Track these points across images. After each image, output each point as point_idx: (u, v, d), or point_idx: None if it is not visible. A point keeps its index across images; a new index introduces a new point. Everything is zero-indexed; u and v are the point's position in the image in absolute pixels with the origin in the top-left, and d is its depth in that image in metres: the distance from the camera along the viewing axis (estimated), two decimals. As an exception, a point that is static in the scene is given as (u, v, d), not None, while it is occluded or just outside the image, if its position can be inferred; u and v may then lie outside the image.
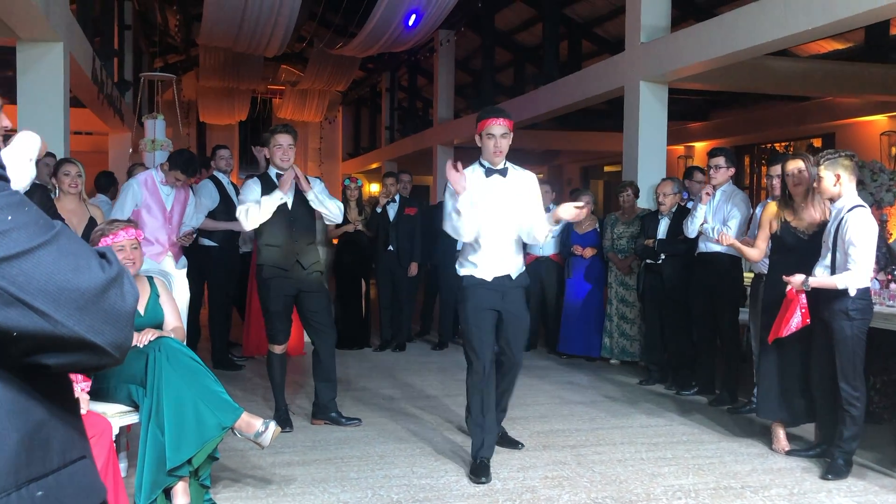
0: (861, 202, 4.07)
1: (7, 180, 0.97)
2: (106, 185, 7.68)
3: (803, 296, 4.16)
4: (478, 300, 4.16)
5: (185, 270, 5.60)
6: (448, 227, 4.14)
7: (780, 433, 4.60)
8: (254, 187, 4.72)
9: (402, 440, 4.67)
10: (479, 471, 4.02)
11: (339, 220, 5.04)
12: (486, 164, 4.22)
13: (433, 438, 4.71)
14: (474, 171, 4.22)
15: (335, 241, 7.81)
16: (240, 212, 4.64)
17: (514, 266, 4.23)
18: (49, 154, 6.04)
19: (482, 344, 4.13)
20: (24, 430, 0.98)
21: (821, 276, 4.12)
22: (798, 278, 4.13)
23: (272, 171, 4.78)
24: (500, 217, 4.16)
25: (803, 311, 4.17)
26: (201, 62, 14.95)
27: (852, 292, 3.96)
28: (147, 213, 5.47)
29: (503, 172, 4.22)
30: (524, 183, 4.27)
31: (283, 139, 4.71)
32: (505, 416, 4.60)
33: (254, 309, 7.01)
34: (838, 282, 3.99)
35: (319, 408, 4.95)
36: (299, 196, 4.78)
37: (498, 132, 4.12)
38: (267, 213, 4.60)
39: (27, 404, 0.99)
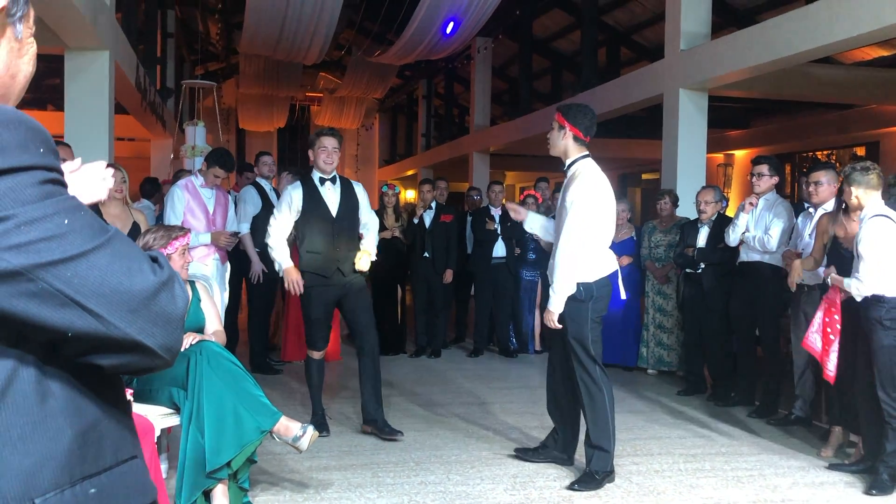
0: (883, 211, 4.06)
1: (65, 185, 0.99)
2: (150, 190, 7.83)
3: (834, 310, 4.20)
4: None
5: (227, 274, 5.67)
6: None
7: (833, 439, 4.62)
8: (293, 195, 4.69)
9: (438, 447, 4.67)
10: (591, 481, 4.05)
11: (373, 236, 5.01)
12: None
13: (469, 446, 4.71)
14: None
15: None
16: (270, 240, 4.71)
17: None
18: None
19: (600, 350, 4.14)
20: (79, 428, 1.00)
21: (836, 276, 4.22)
22: (837, 278, 4.25)
23: (315, 175, 4.74)
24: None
25: (828, 319, 4.23)
26: (241, 70, 15.15)
27: (857, 298, 4.05)
28: (191, 216, 5.54)
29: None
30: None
31: (329, 142, 4.68)
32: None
33: (291, 314, 7.08)
34: (845, 283, 4.11)
35: (366, 416, 4.90)
36: (345, 203, 4.75)
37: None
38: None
39: (82, 403, 1.01)
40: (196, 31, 15.38)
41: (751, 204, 5.47)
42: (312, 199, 4.68)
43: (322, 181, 4.72)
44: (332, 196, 4.73)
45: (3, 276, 0.90)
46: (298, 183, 4.77)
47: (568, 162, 4.16)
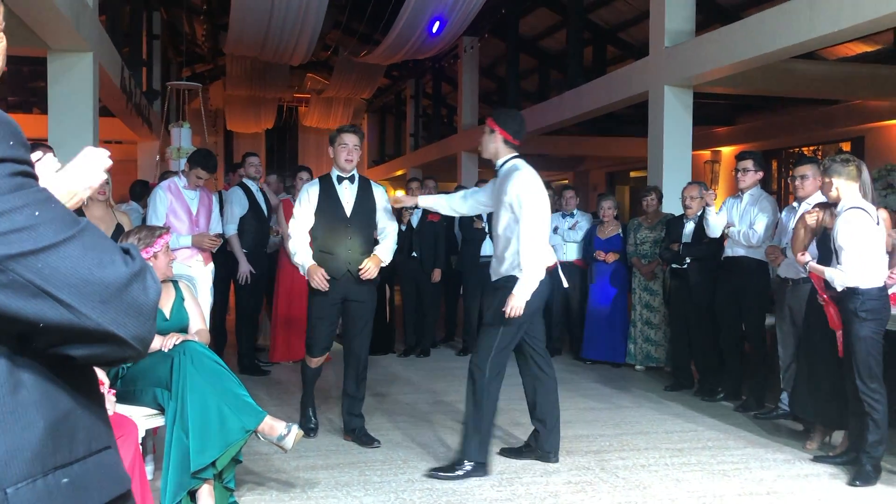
0: (858, 204, 4.10)
1: (35, 178, 1.00)
2: (140, 193, 7.81)
3: (827, 299, 4.25)
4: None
5: (211, 275, 5.61)
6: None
7: (817, 434, 4.67)
8: (309, 192, 4.61)
9: (425, 445, 4.68)
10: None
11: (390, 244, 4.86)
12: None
13: (456, 443, 4.70)
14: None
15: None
16: (291, 243, 4.60)
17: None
18: None
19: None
20: (51, 418, 1.01)
21: (817, 266, 4.26)
22: (804, 258, 4.34)
23: (334, 173, 4.64)
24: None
25: (830, 312, 4.25)
26: (228, 71, 15.13)
27: (838, 288, 4.08)
28: (173, 217, 5.51)
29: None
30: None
31: (350, 139, 4.55)
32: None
33: (280, 314, 7.07)
34: (826, 271, 4.14)
35: (345, 426, 4.80)
36: (360, 203, 4.63)
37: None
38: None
39: (54, 394, 1.02)
40: (182, 33, 15.35)
41: (708, 201, 5.60)
42: (328, 197, 4.58)
43: (340, 179, 4.62)
44: (348, 195, 4.61)
45: None
46: (316, 181, 4.69)
47: (499, 163, 4.28)
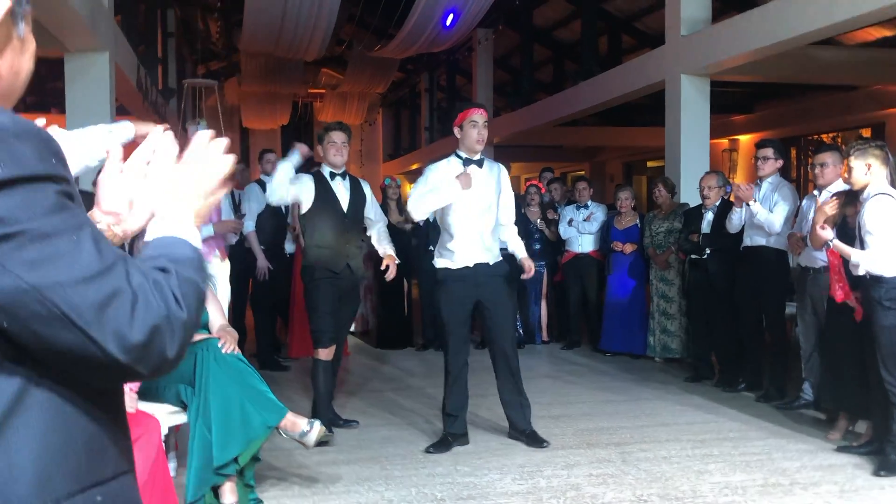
0: (886, 190, 4.04)
1: (74, 198, 0.98)
2: None
3: (839, 264, 4.25)
4: (452, 292, 4.42)
5: (227, 272, 5.65)
6: (421, 200, 4.30)
7: (841, 424, 4.62)
8: (304, 181, 4.62)
9: (446, 439, 4.68)
10: (437, 444, 4.44)
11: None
12: (464, 154, 4.46)
13: (476, 437, 4.71)
14: (450, 163, 4.48)
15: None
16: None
17: (491, 254, 4.47)
18: None
19: (457, 339, 4.46)
20: (87, 437, 1.02)
21: (841, 244, 4.16)
22: (827, 233, 4.21)
23: (325, 169, 4.73)
24: (476, 206, 4.40)
25: (840, 284, 4.20)
26: (243, 68, 15.17)
27: (860, 271, 4.02)
28: None
29: (479, 163, 4.47)
30: (499, 174, 4.58)
31: (337, 136, 4.68)
32: (530, 412, 4.66)
33: (298, 310, 7.09)
34: (853, 254, 4.06)
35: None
36: (354, 199, 4.73)
37: (480, 120, 4.38)
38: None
39: (89, 414, 1.03)
40: (196, 31, 15.39)
41: (743, 198, 5.42)
42: (324, 193, 4.65)
43: (332, 176, 4.71)
44: (342, 191, 4.72)
45: (18, 294, 0.90)
46: (311, 175, 4.72)
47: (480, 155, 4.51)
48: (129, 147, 1.19)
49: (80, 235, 0.94)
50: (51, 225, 0.92)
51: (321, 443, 4.41)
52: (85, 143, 2.44)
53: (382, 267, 4.71)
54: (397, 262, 4.75)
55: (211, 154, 1.18)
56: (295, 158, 4.62)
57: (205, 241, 5.38)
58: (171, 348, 0.98)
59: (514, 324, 4.64)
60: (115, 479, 1.06)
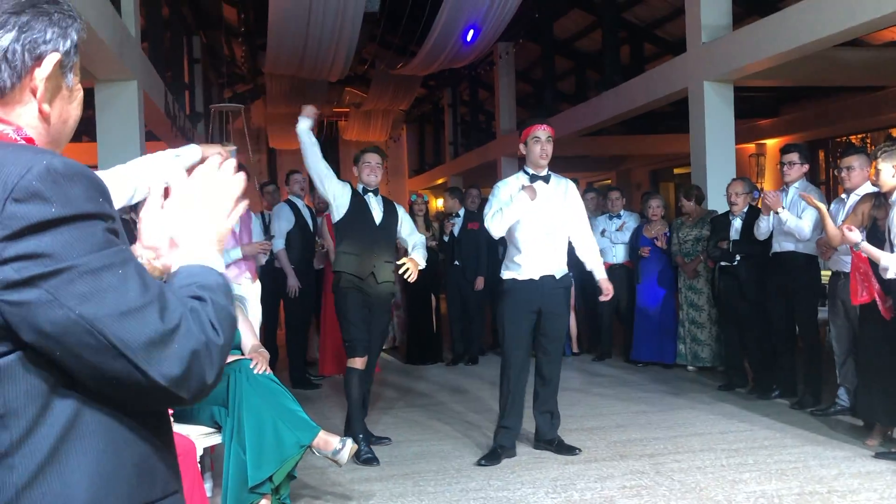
0: None
1: (119, 235, 1.04)
2: None
3: (866, 267, 4.20)
4: (516, 302, 4.48)
5: (258, 292, 5.71)
6: (495, 219, 4.38)
7: (879, 429, 4.55)
8: (343, 185, 4.77)
9: (478, 454, 4.68)
10: (489, 455, 4.49)
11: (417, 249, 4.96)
12: (531, 170, 4.52)
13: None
14: (518, 178, 4.56)
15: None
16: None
17: (557, 267, 4.53)
18: None
19: (518, 352, 4.52)
20: (137, 459, 1.08)
21: (870, 247, 4.12)
22: (855, 236, 4.15)
23: (360, 187, 4.85)
24: (543, 221, 4.46)
25: (866, 285, 4.16)
26: (268, 90, 15.35)
27: (890, 274, 3.97)
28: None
29: (546, 179, 4.54)
30: (569, 190, 4.65)
31: (372, 158, 4.83)
32: (559, 423, 4.72)
33: (329, 327, 7.14)
34: (882, 257, 4.02)
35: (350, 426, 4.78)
36: (387, 216, 4.85)
37: (544, 136, 4.45)
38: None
39: (140, 437, 1.08)
40: (222, 55, 15.62)
41: (769, 208, 5.38)
42: (360, 204, 4.78)
43: (365, 191, 4.84)
44: (375, 206, 4.85)
45: (69, 325, 0.96)
46: (348, 185, 4.83)
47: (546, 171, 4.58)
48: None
49: (125, 270, 1.00)
50: (99, 260, 0.98)
51: (367, 459, 4.46)
52: (153, 170, 2.50)
53: (401, 270, 4.67)
54: (420, 266, 4.76)
55: (221, 176, 1.21)
56: (307, 122, 4.73)
57: (235, 263, 5.46)
58: (210, 373, 1.04)
59: (565, 336, 4.69)
60: (164, 499, 1.11)
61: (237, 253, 5.53)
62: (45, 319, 0.95)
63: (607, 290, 4.60)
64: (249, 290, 5.59)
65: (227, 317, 1.09)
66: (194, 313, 1.04)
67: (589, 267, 4.72)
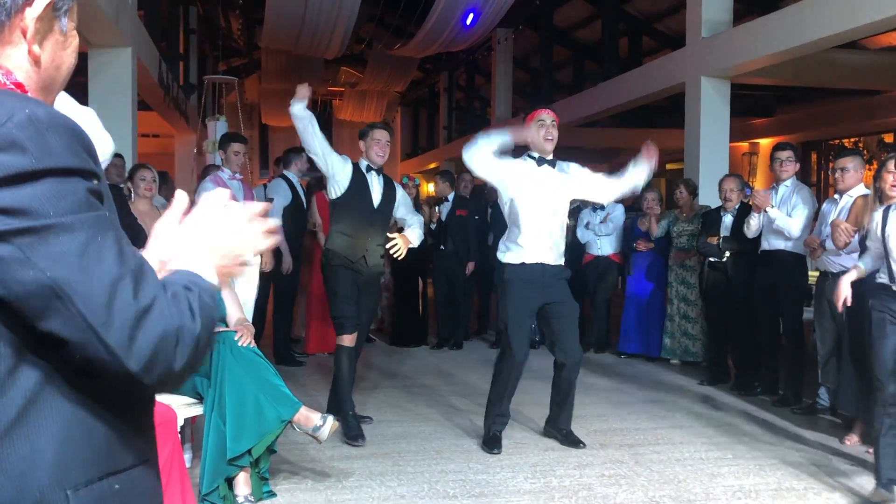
0: None
1: (103, 197, 0.99)
2: (160, 185, 7.89)
3: None
4: (519, 292, 4.39)
5: (257, 266, 5.72)
6: (474, 149, 4.34)
7: (856, 430, 4.59)
8: (345, 163, 4.65)
9: (459, 436, 4.70)
10: (491, 442, 4.44)
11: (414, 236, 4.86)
12: (537, 154, 4.45)
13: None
14: (526, 161, 4.47)
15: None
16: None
17: (556, 254, 4.47)
18: (117, 155, 6.25)
19: (518, 345, 4.43)
20: (109, 426, 1.04)
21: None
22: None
23: (363, 163, 4.73)
24: (546, 204, 4.40)
25: None
26: (263, 65, 15.26)
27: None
28: None
29: (552, 164, 4.47)
30: (571, 170, 4.56)
31: (382, 135, 4.70)
32: (571, 416, 4.65)
33: (315, 306, 7.13)
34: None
35: (333, 403, 4.81)
36: (386, 197, 4.74)
37: (548, 120, 4.42)
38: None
39: (113, 404, 1.05)
40: (218, 27, 15.49)
41: (758, 207, 5.37)
42: (360, 184, 4.66)
43: (369, 169, 4.72)
44: (376, 186, 4.73)
45: (38, 287, 0.91)
46: (350, 162, 4.72)
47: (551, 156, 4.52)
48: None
49: (104, 237, 0.95)
50: (77, 222, 0.93)
51: (354, 436, 4.44)
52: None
53: (389, 244, 4.61)
54: (412, 245, 4.72)
55: (254, 227, 1.19)
56: (301, 104, 4.61)
57: None
58: (179, 361, 0.99)
59: (577, 323, 4.63)
60: (135, 467, 1.08)
61: None
62: (13, 279, 0.91)
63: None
64: (251, 265, 5.62)
65: (209, 314, 1.04)
66: (175, 297, 1.00)
67: (629, 177, 4.54)
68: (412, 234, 4.74)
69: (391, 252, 4.60)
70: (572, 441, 4.53)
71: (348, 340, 4.63)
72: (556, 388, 4.64)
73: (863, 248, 4.22)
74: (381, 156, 4.71)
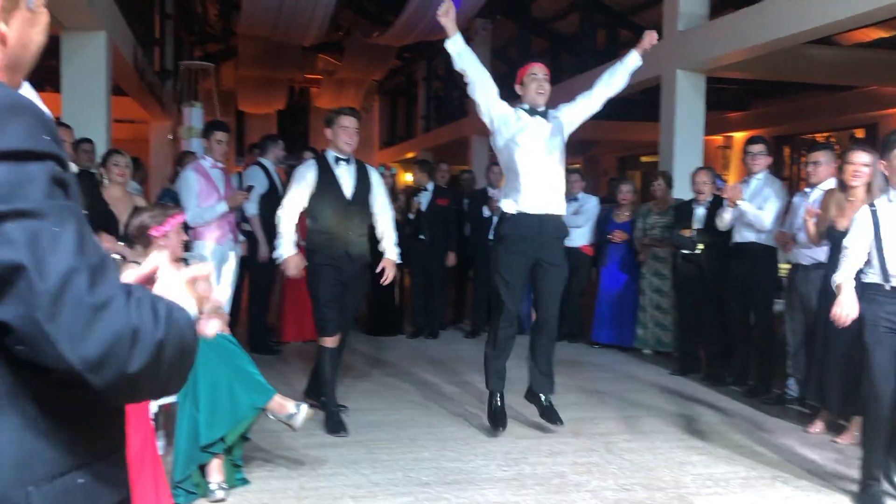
0: None
1: (65, 185, 0.96)
2: (133, 170, 7.82)
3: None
4: (513, 249, 4.41)
5: (238, 255, 5.82)
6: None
7: (821, 418, 4.68)
8: (307, 174, 4.54)
9: (433, 425, 4.72)
10: (495, 418, 4.49)
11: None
12: (528, 105, 4.53)
13: (463, 423, 4.76)
14: (517, 112, 4.53)
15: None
16: (281, 224, 4.52)
17: (556, 206, 4.48)
18: (87, 140, 6.18)
19: (508, 311, 4.49)
20: (77, 420, 1.02)
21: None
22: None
23: (331, 154, 4.60)
24: (543, 151, 4.46)
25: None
26: (240, 51, 15.11)
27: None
28: (208, 200, 5.57)
29: (544, 115, 4.54)
30: (561, 113, 4.66)
31: (349, 121, 4.56)
32: (553, 386, 4.65)
33: (289, 295, 7.11)
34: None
35: (313, 387, 4.84)
36: (360, 185, 4.62)
37: (540, 73, 4.52)
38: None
39: (82, 397, 1.01)
40: (194, 13, 15.32)
41: (733, 200, 5.42)
42: (327, 178, 4.54)
43: (337, 161, 4.59)
44: (346, 177, 4.60)
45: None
46: (313, 161, 4.62)
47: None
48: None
49: (64, 226, 0.92)
50: (34, 208, 0.90)
51: (335, 429, 4.44)
52: None
53: (378, 269, 4.66)
54: (397, 262, 4.73)
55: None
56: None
57: (219, 221, 5.51)
58: (134, 363, 0.94)
59: (561, 293, 4.64)
60: (101, 461, 1.06)
61: (223, 207, 5.54)
62: None
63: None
64: (232, 251, 5.71)
65: (179, 327, 1.01)
66: (138, 301, 0.96)
67: (617, 71, 4.76)
68: (392, 253, 4.74)
69: (381, 282, 4.67)
70: (549, 416, 4.49)
71: (330, 342, 4.59)
72: (531, 350, 4.66)
73: (834, 242, 4.29)
74: (350, 143, 4.56)
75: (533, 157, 4.42)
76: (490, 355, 4.57)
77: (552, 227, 4.46)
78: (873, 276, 3.63)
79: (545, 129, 4.50)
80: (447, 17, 4.46)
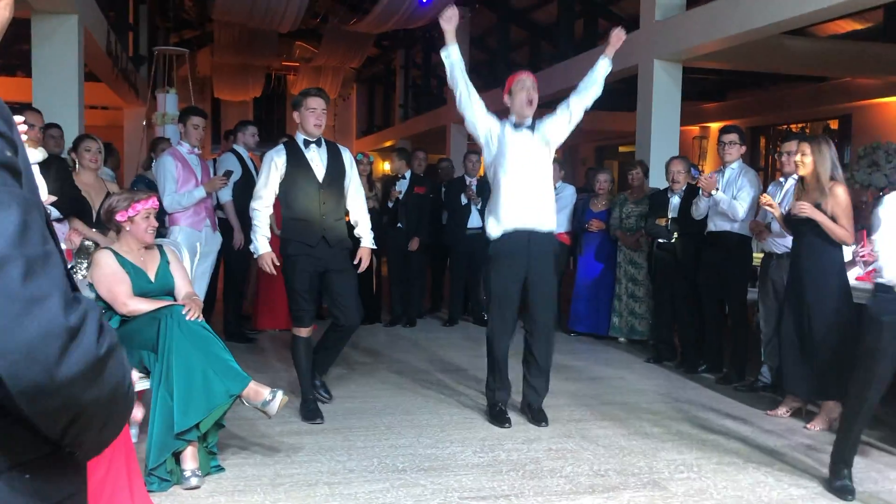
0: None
1: (15, 171, 0.91)
2: (105, 156, 7.72)
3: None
4: (504, 268, 4.44)
5: (218, 245, 5.81)
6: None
7: (788, 401, 4.80)
8: (276, 161, 4.42)
9: (409, 412, 4.72)
10: (497, 417, 4.52)
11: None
12: (515, 119, 4.48)
13: (439, 411, 4.77)
14: (501, 122, 4.50)
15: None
16: (257, 217, 4.43)
17: (545, 220, 4.47)
18: (55, 126, 6.08)
19: (503, 321, 4.54)
20: (14, 417, 0.96)
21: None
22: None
23: (300, 138, 4.48)
24: (527, 167, 4.42)
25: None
26: (216, 38, 14.95)
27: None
28: (185, 185, 5.54)
29: (532, 128, 4.50)
30: (545, 125, 4.54)
31: (317, 102, 4.41)
32: (548, 384, 4.70)
33: (263, 283, 7.07)
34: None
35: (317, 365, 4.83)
36: (332, 168, 4.50)
37: (529, 82, 4.44)
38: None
39: None
40: (169, -2, 15.12)
41: (708, 190, 5.46)
42: (297, 163, 4.43)
43: (307, 144, 4.47)
44: (317, 160, 4.48)
45: None
46: (282, 147, 4.51)
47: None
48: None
49: (5, 212, 0.87)
50: None
51: (311, 415, 4.45)
52: None
53: (356, 260, 4.62)
54: (373, 247, 4.70)
55: None
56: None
57: (197, 207, 5.47)
58: (63, 369, 0.87)
59: (556, 302, 4.67)
60: (50, 455, 1.01)
61: (200, 192, 5.52)
62: None
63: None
64: (211, 241, 5.66)
65: (119, 366, 0.96)
66: (84, 311, 0.90)
67: (592, 76, 4.67)
68: (368, 240, 4.70)
69: (358, 270, 4.62)
70: (537, 418, 4.55)
71: (304, 332, 4.55)
72: (530, 371, 4.65)
73: (791, 227, 4.40)
74: (318, 125, 4.43)
75: (518, 174, 4.42)
76: (493, 387, 4.62)
77: (541, 242, 4.47)
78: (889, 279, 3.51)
79: (531, 144, 4.47)
80: (450, 23, 4.41)
